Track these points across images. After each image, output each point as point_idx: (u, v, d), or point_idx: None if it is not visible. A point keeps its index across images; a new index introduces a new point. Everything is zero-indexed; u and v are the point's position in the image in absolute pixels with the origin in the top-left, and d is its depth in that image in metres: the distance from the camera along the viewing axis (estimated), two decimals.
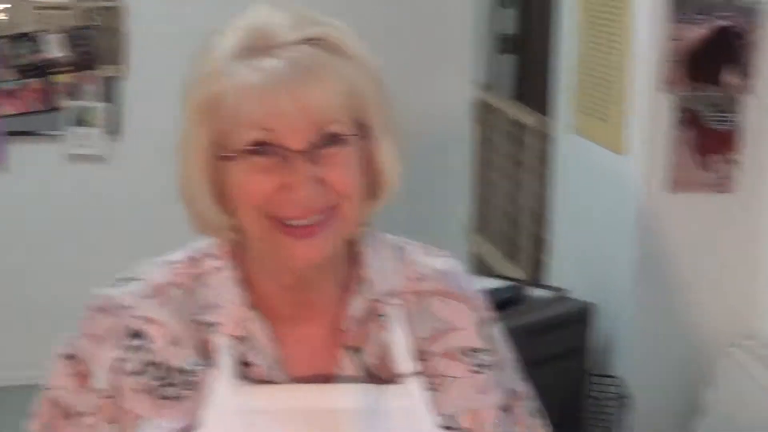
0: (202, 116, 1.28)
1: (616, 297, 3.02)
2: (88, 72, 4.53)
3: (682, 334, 2.92)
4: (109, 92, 4.57)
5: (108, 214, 4.66)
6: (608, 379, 3.00)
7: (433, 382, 1.37)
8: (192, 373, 1.32)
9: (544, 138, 3.92)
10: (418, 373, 1.36)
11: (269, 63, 1.25)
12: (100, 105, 4.56)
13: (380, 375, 1.35)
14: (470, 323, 1.42)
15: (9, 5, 4.43)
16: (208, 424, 1.30)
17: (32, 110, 4.51)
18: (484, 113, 4.67)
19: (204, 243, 1.38)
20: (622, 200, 3.00)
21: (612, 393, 2.97)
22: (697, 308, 2.92)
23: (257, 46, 1.26)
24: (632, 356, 2.95)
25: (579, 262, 3.37)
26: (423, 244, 1.48)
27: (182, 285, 1.37)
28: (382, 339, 1.36)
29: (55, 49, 4.48)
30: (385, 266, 1.40)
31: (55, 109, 4.53)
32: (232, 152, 1.27)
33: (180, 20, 4.42)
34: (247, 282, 1.35)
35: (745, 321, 2.90)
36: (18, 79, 4.47)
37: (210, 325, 1.34)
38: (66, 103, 4.53)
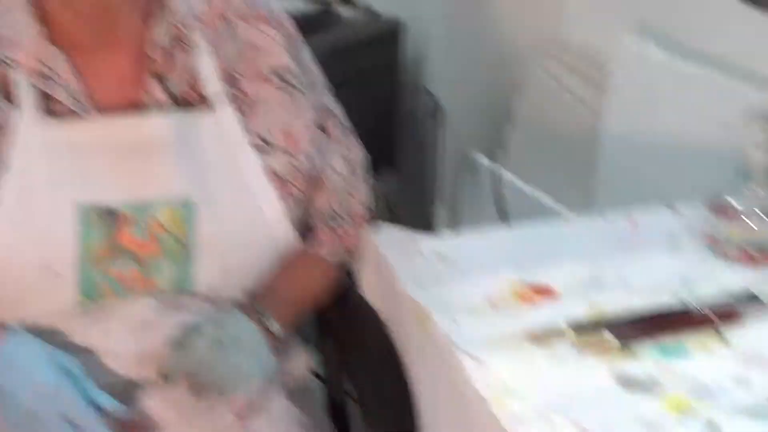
0: None
1: (425, 13, 3.02)
2: None
3: (491, 46, 2.95)
4: None
5: None
6: (420, 94, 3.04)
7: (244, 104, 1.36)
8: None
9: None
10: (227, 96, 1.35)
11: None
12: None
13: (190, 101, 1.34)
14: (278, 44, 1.40)
15: None
16: (14, 163, 1.27)
17: None
18: None
19: None
20: None
21: (424, 107, 3.02)
22: (505, 19, 2.95)
23: None
24: (443, 70, 2.99)
25: None
26: None
27: None
28: (189, 64, 1.34)
29: None
30: None
31: None
32: None
33: None
34: (44, 15, 1.30)
35: (552, 30, 2.94)
36: None
37: (7, 61, 1.29)
38: None
